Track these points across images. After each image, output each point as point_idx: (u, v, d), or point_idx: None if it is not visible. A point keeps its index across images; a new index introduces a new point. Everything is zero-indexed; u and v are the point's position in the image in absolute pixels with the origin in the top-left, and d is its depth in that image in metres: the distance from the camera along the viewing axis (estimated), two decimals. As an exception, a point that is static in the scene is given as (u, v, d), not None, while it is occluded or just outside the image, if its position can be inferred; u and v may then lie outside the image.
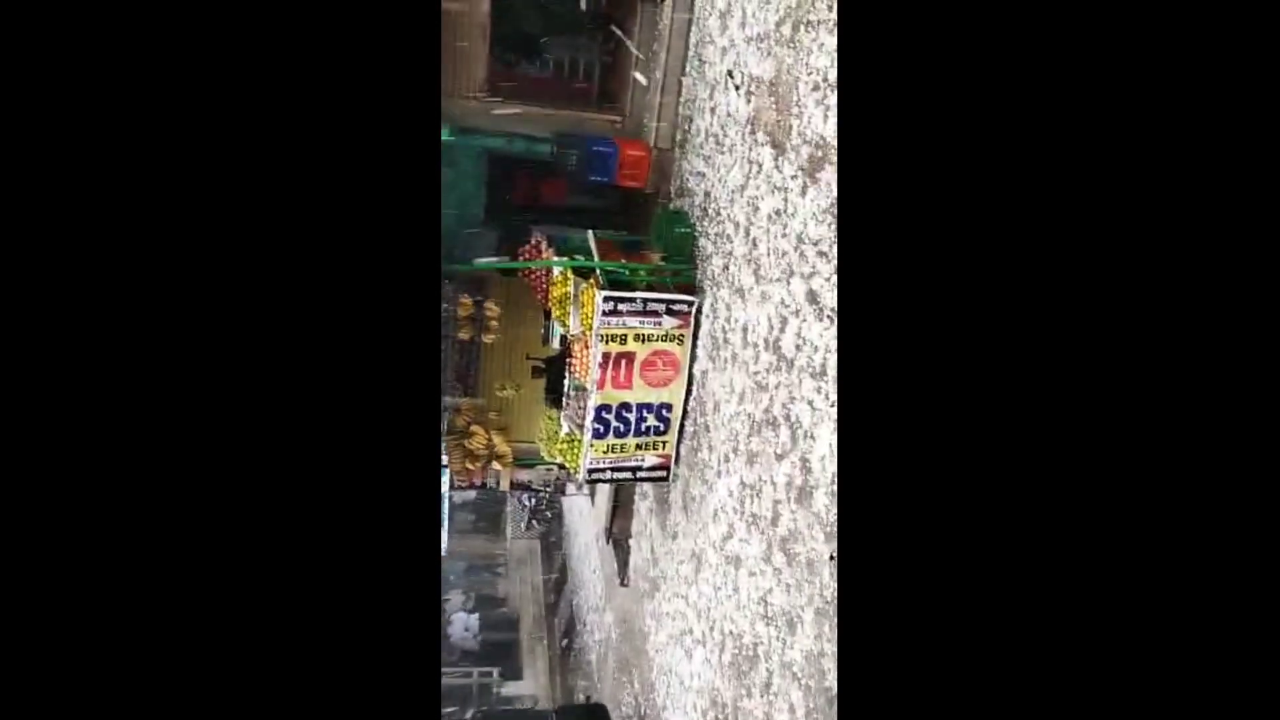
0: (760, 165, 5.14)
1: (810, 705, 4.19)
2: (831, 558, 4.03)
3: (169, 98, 1.51)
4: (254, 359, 1.56)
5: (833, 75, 4.18)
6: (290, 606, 1.57)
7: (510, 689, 14.72)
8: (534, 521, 16.75)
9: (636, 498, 8.54)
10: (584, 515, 12.06)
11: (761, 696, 4.83)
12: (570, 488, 12.15)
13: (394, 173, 1.64)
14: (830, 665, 3.98)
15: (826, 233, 4.23)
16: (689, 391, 6.38)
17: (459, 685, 14.00)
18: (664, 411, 6.56)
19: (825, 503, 4.13)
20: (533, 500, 16.16)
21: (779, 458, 4.73)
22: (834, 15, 4.19)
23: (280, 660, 1.57)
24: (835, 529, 4.02)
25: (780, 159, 4.84)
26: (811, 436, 4.33)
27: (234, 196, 1.56)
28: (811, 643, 4.21)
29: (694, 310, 6.14)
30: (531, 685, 14.97)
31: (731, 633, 5.45)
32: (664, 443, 6.67)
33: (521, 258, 6.68)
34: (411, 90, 1.64)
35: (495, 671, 13.97)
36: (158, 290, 1.51)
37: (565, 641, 13.49)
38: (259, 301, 1.57)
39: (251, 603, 1.56)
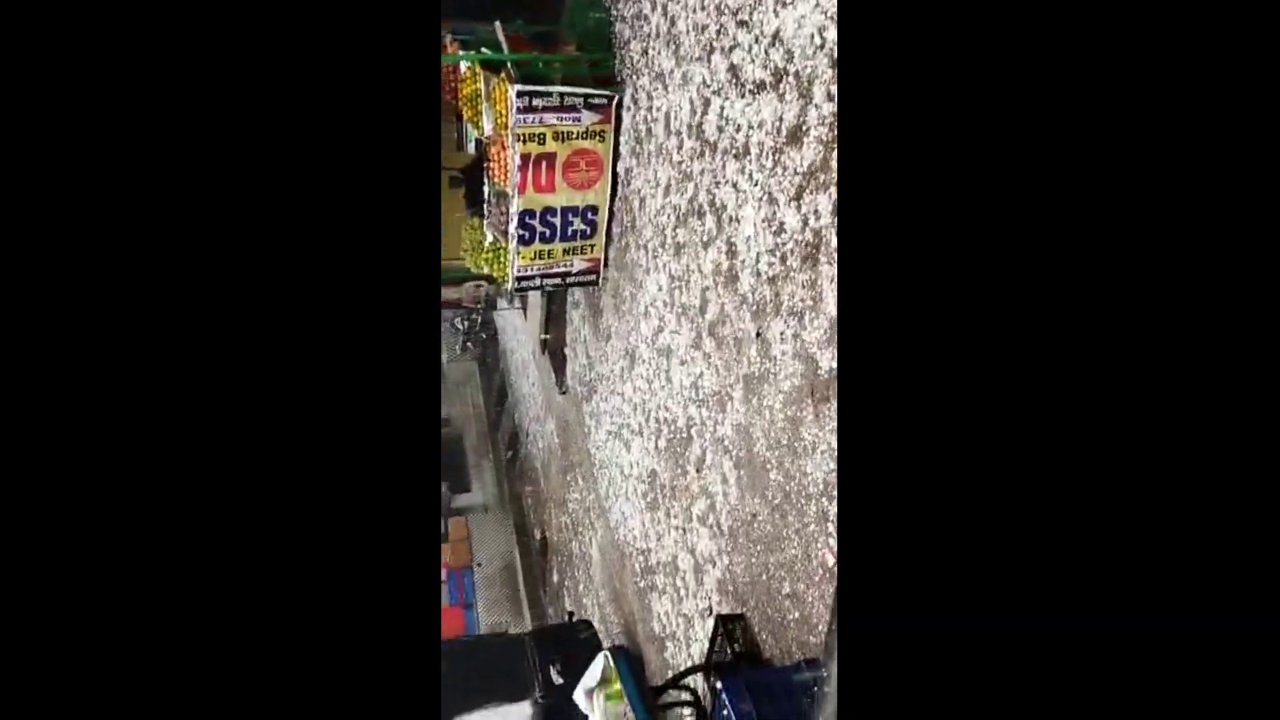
0: (675, -69, 4.75)
1: (740, 474, 4.50)
2: (758, 334, 4.18)
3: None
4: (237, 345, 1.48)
5: None
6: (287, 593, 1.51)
7: (461, 500, 15.44)
8: (468, 344, 16.81)
9: (569, 306, 8.59)
10: (518, 331, 12.14)
11: (697, 472, 5.16)
12: (501, 302, 12.13)
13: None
14: (758, 434, 4.24)
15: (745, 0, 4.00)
16: (614, 191, 6.25)
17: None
18: (590, 214, 6.45)
19: (750, 283, 4.21)
20: (465, 323, 16.13)
21: (705, 245, 4.75)
22: None
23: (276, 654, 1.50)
24: (759, 308, 4.13)
25: (696, -79, 4.47)
26: (736, 220, 4.33)
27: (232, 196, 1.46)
28: (741, 416, 4.45)
29: (614, 103, 5.88)
30: (480, 495, 15.71)
31: (666, 420, 5.71)
32: (592, 246, 6.61)
33: (425, 54, 6.20)
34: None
35: (445, 486, 14.54)
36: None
37: (510, 453, 14.03)
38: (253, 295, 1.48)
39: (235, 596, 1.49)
